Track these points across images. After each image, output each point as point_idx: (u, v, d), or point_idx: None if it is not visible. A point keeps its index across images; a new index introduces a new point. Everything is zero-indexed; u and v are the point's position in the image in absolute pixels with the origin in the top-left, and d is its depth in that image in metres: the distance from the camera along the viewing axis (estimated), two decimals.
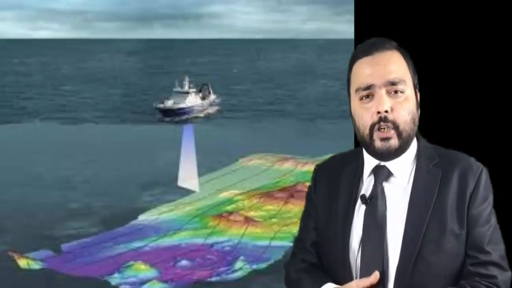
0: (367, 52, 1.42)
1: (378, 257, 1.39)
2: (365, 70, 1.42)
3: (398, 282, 1.38)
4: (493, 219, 1.44)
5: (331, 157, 1.64)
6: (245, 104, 43.06)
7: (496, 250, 1.42)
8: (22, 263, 14.67)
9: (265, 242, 16.18)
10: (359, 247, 1.42)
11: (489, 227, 1.42)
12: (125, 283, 14.10)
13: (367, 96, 1.41)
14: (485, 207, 1.42)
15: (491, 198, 1.45)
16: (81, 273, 14.30)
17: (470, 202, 1.40)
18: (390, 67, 1.41)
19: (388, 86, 1.40)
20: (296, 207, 18.22)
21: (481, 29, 2.03)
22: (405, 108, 1.40)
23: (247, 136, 30.28)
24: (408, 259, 1.37)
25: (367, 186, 1.47)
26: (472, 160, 1.46)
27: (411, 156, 1.46)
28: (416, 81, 1.47)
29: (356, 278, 1.43)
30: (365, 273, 1.40)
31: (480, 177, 1.42)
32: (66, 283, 13.86)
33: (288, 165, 22.90)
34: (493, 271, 1.40)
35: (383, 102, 1.39)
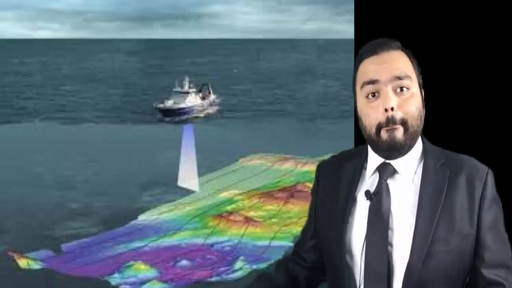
0: (373, 52, 1.43)
1: (383, 252, 1.39)
2: (371, 67, 1.42)
3: (407, 278, 1.38)
4: (502, 221, 1.45)
5: (334, 155, 1.64)
6: (245, 104, 43.05)
7: (506, 252, 1.43)
8: (22, 263, 14.67)
9: (265, 242, 16.18)
10: (363, 243, 1.42)
11: (497, 229, 1.43)
12: (125, 283, 14.10)
13: (373, 95, 1.41)
14: (494, 209, 1.43)
15: (498, 199, 1.45)
16: (81, 273, 14.30)
17: (481, 205, 1.41)
18: (396, 64, 1.41)
19: (394, 81, 1.40)
20: (296, 207, 18.23)
21: (482, 28, 2.03)
22: (412, 104, 1.41)
23: (247, 136, 30.28)
24: (419, 255, 1.37)
25: (371, 183, 1.48)
26: (477, 162, 1.47)
27: (416, 155, 1.47)
28: (421, 81, 1.47)
29: (360, 274, 1.43)
30: (369, 268, 1.41)
31: (487, 179, 1.43)
32: (66, 283, 13.86)
33: (288, 165, 22.90)
34: (508, 275, 1.41)
35: (390, 99, 1.38)
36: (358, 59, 1.47)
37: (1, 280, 14.03)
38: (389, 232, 1.40)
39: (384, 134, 1.40)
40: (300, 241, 1.67)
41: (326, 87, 50.37)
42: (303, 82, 54.95)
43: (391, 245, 1.40)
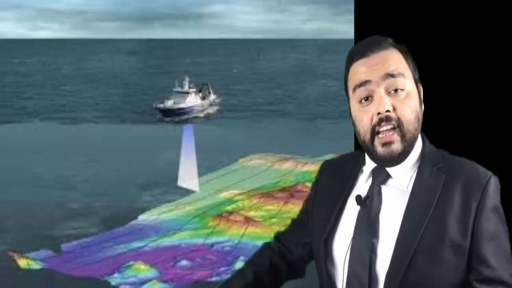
0: (363, 54, 1.36)
1: (366, 260, 1.32)
2: (362, 69, 1.36)
3: None
4: (503, 233, 1.32)
5: (340, 155, 1.59)
6: (245, 104, 43.08)
7: (505, 267, 1.30)
8: (22, 263, 14.67)
9: None
10: (348, 248, 1.35)
11: (497, 241, 1.30)
12: (125, 283, 14.09)
13: (366, 99, 1.34)
14: (493, 219, 1.30)
15: (501, 209, 1.32)
16: (81, 273, 14.30)
17: (477, 213, 1.28)
18: (387, 63, 1.34)
19: (387, 80, 1.32)
20: (296, 207, 18.21)
21: (483, 28, 2.03)
22: (407, 105, 1.32)
23: (247, 136, 30.29)
24: (399, 266, 1.28)
25: (366, 187, 1.41)
26: (480, 167, 1.34)
27: (412, 159, 1.37)
28: (417, 76, 1.39)
29: (343, 280, 1.37)
30: (352, 275, 1.34)
31: (488, 186, 1.30)
32: (66, 283, 13.86)
33: (288, 165, 22.90)
34: None
35: (383, 102, 1.31)
36: (348, 61, 1.40)
37: (1, 280, 14.03)
38: (374, 240, 1.32)
39: (380, 149, 1.33)
40: (291, 232, 1.60)
41: (326, 87, 50.40)
42: (303, 82, 55.02)
43: (375, 253, 1.31)
